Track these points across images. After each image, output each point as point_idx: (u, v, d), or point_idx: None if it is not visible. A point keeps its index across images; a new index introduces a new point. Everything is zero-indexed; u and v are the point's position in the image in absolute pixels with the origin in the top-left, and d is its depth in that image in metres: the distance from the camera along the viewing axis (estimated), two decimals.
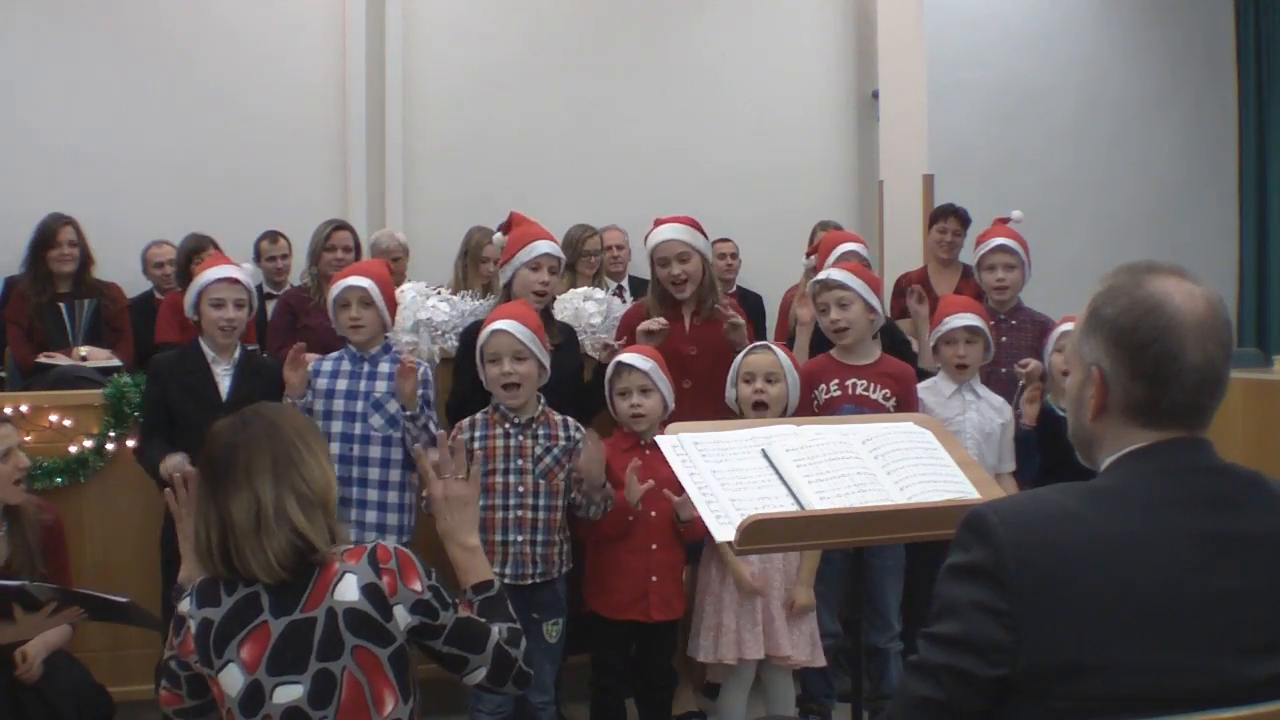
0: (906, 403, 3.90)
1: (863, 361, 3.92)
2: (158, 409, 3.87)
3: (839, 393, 3.85)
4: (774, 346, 3.78)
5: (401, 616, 2.09)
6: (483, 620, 2.22)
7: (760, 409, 3.62)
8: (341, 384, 3.80)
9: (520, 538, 3.48)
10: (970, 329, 3.98)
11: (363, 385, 3.78)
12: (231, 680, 2.07)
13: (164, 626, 3.41)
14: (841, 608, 3.97)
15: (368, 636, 2.07)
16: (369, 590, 2.08)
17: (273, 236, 5.96)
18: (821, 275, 4.02)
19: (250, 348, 4.66)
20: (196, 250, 5.61)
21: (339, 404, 3.76)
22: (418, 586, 2.11)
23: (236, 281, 3.85)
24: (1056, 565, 1.46)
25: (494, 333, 3.50)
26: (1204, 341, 1.53)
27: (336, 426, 3.73)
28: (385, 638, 2.09)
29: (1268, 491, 1.55)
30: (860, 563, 2.84)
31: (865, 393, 3.87)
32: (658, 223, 4.13)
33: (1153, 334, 1.53)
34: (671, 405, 3.67)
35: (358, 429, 3.73)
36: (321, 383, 3.79)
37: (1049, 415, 4.00)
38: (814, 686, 3.93)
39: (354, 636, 2.06)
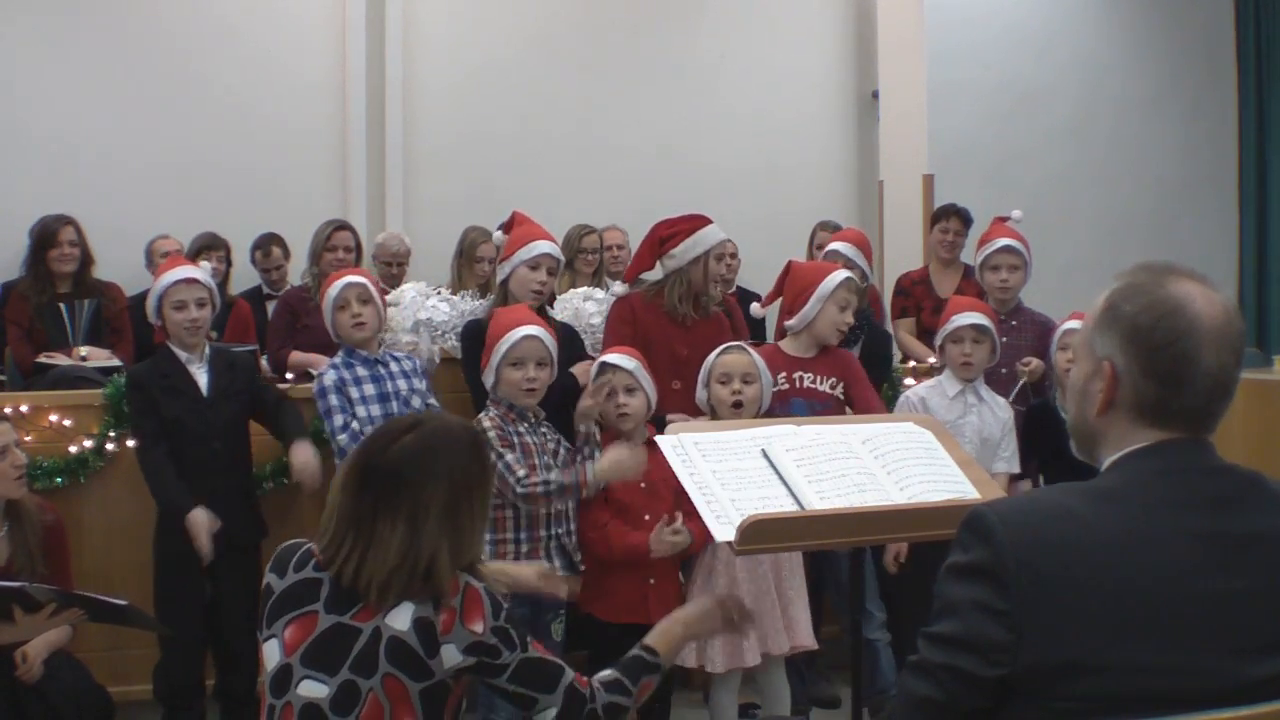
0: (854, 383, 3.92)
1: (809, 354, 3.94)
2: (152, 416, 3.81)
3: (786, 386, 3.86)
4: (747, 347, 3.75)
5: (450, 655, 2.02)
6: (556, 661, 2.14)
7: (737, 409, 3.60)
8: (370, 389, 3.81)
9: (560, 530, 3.53)
10: (977, 328, 3.98)
11: (389, 387, 3.81)
12: (270, 654, 2.07)
13: (162, 628, 3.44)
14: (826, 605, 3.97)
15: (402, 668, 2.02)
16: (420, 624, 2.02)
17: (266, 249, 5.93)
18: (855, 276, 4.05)
19: (249, 347, 4.67)
20: (208, 248, 5.63)
21: (376, 409, 3.78)
22: (479, 628, 2.04)
23: (195, 281, 3.85)
24: (1057, 565, 1.46)
25: (525, 338, 3.52)
26: (1219, 348, 1.53)
27: None
28: (423, 672, 2.02)
29: (1268, 492, 1.55)
30: (859, 562, 2.83)
31: (813, 385, 3.89)
32: (696, 222, 4.09)
33: (1172, 335, 1.52)
34: (654, 404, 3.66)
35: None
36: (353, 392, 3.80)
37: (1048, 411, 4.01)
38: (797, 693, 3.91)
39: (388, 664, 2.01)
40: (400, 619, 2.03)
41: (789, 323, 3.97)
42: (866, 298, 4.62)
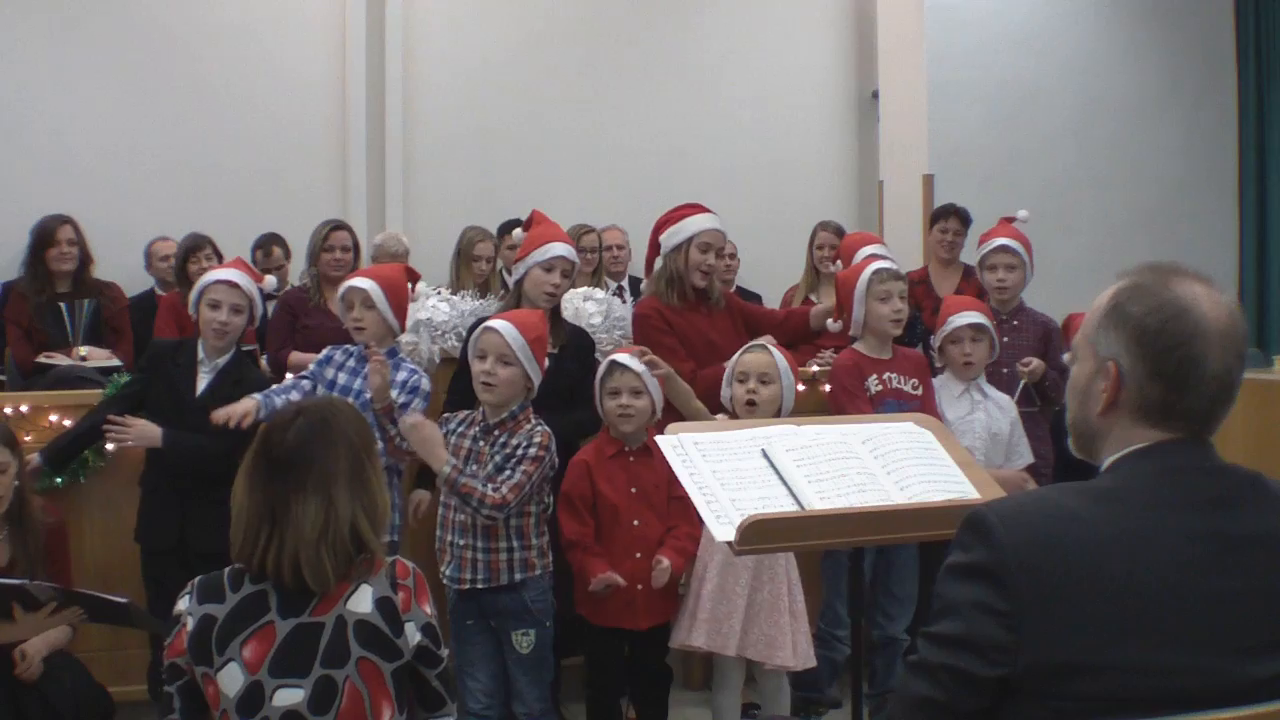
0: (927, 387, 3.97)
1: (887, 355, 3.97)
2: (134, 385, 3.92)
3: (880, 388, 3.89)
4: (771, 346, 3.71)
5: (411, 633, 2.10)
6: None
7: (751, 408, 3.59)
8: (341, 378, 3.82)
9: (462, 541, 3.40)
10: (975, 326, 4.00)
11: (357, 384, 3.81)
12: (231, 680, 2.05)
13: (164, 628, 3.43)
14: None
15: (375, 649, 2.06)
16: (383, 604, 2.08)
17: (266, 248, 5.93)
18: (886, 265, 4.02)
19: (248, 348, 4.67)
20: (194, 249, 5.61)
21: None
22: (428, 610, 2.13)
23: (236, 286, 3.82)
24: (1057, 565, 1.46)
25: (486, 330, 3.46)
26: (1225, 351, 1.53)
27: None
28: (392, 652, 2.08)
29: (1268, 492, 1.56)
30: (859, 562, 2.83)
31: (900, 386, 3.92)
32: (687, 210, 4.10)
33: (1180, 338, 1.52)
34: (659, 411, 3.61)
35: None
36: (329, 372, 3.84)
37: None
38: (806, 691, 3.90)
39: (361, 648, 2.05)
40: (362, 602, 2.07)
41: (852, 332, 4.03)
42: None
